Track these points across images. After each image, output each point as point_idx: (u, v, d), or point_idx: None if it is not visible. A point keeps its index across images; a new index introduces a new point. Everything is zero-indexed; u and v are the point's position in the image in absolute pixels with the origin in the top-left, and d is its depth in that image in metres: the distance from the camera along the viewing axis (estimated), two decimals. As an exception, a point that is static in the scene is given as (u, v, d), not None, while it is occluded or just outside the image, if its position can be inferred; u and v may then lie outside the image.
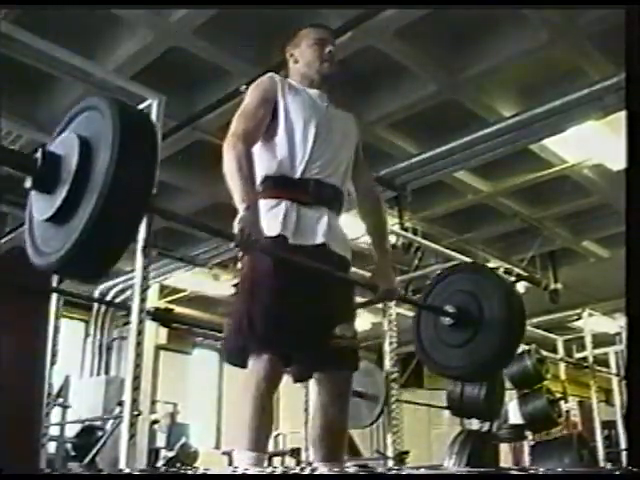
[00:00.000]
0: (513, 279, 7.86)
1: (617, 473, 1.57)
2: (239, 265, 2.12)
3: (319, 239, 2.06)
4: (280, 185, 2.09)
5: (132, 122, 1.57)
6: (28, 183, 1.57)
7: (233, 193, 1.94)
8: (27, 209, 1.66)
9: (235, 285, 2.12)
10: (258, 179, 2.10)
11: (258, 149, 2.12)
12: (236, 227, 1.85)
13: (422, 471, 1.60)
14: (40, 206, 1.60)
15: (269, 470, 1.99)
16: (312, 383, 2.20)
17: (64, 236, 1.50)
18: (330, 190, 2.13)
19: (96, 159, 1.49)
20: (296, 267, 1.98)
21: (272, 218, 2.02)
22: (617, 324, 8.76)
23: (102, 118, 1.54)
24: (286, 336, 1.95)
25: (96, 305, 9.21)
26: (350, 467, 2.08)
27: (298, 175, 2.09)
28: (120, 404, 4.89)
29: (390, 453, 4.81)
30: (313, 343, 2.04)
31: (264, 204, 2.05)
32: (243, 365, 1.98)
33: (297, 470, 2.06)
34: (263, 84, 2.17)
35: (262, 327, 1.94)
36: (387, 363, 5.01)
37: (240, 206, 1.90)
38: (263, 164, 2.12)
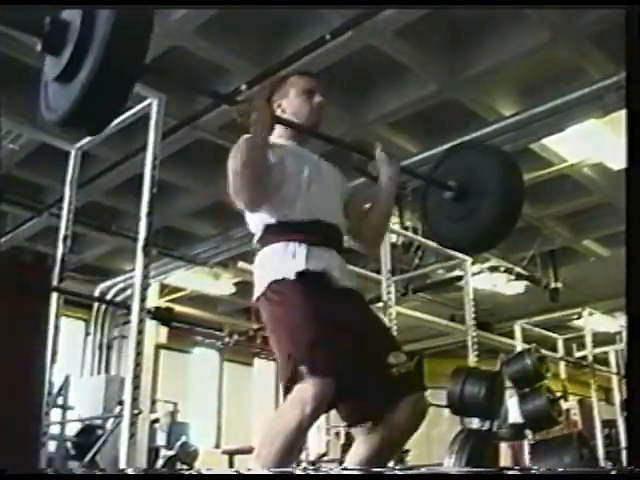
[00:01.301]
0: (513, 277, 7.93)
1: (617, 472, 1.57)
2: (265, 300, 1.97)
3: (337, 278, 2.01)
4: (287, 229, 2.01)
5: None
6: (39, 46, 1.74)
7: (246, 153, 1.95)
8: (42, 73, 1.86)
9: (270, 317, 1.97)
10: (259, 232, 2.06)
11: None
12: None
13: (422, 470, 1.60)
14: (50, 68, 1.80)
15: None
16: None
17: (69, 93, 1.70)
18: (333, 229, 2.09)
19: (97, 25, 1.66)
20: (330, 301, 1.92)
21: (289, 256, 1.96)
22: (617, 323, 8.78)
23: None
24: (340, 363, 1.82)
25: (96, 304, 9.23)
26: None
27: (300, 218, 2.03)
28: (120, 403, 4.89)
29: (390, 452, 4.81)
30: (369, 374, 1.93)
31: (272, 249, 2.00)
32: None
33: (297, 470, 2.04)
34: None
35: (317, 352, 1.82)
36: (387, 362, 5.00)
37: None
38: (261, 215, 2.06)
